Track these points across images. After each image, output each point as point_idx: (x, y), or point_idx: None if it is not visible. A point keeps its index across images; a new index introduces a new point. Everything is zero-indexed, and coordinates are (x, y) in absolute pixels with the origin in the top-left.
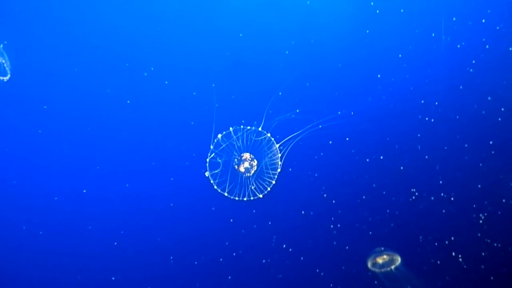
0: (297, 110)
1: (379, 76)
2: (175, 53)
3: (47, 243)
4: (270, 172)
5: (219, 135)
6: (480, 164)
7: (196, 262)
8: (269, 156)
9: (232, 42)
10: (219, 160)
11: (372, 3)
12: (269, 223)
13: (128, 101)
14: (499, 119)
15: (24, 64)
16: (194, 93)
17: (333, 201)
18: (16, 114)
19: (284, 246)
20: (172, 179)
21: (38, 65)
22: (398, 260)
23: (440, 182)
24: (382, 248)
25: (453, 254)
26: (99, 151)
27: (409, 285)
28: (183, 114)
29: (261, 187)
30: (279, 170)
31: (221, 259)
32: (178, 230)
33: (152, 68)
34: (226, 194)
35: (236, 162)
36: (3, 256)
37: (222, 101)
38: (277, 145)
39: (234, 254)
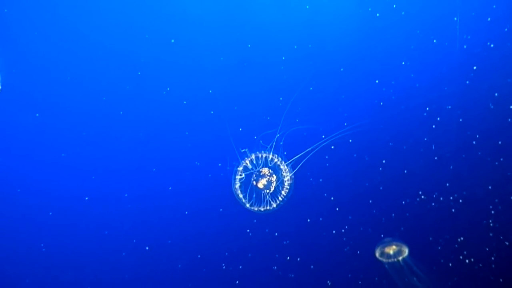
0: (296, 120)
1: (376, 81)
2: (171, 60)
3: (52, 256)
4: (285, 188)
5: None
6: (496, 163)
7: (200, 266)
8: (281, 171)
9: (230, 48)
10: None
11: (370, 9)
12: (276, 234)
13: (121, 112)
14: (509, 119)
15: (16, 72)
16: (184, 102)
17: (341, 206)
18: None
19: (291, 253)
20: (170, 188)
21: (31, 73)
22: (406, 251)
23: (450, 182)
24: (391, 239)
25: (464, 253)
26: (96, 158)
27: (415, 277)
28: (183, 122)
29: (277, 203)
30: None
31: (223, 265)
32: (183, 234)
33: (167, 89)
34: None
35: (255, 178)
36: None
37: (222, 108)
38: (285, 164)
39: (241, 258)
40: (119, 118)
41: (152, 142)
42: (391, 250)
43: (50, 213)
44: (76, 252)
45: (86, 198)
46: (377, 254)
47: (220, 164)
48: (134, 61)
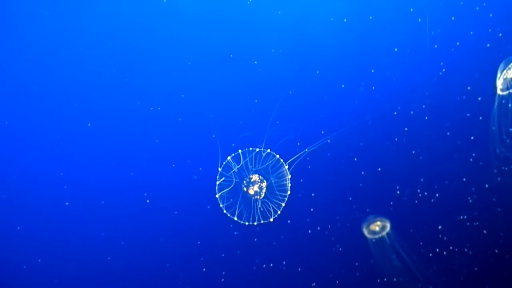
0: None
1: (342, 86)
2: (141, 66)
3: (43, 262)
4: (278, 194)
5: (228, 157)
6: (469, 155)
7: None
8: (275, 177)
9: (205, 52)
10: (233, 176)
11: (332, 19)
12: (256, 239)
13: (89, 124)
14: (481, 117)
15: None
16: (159, 109)
17: (322, 205)
18: None
19: (278, 252)
20: (145, 194)
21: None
22: (388, 226)
23: (426, 175)
24: (373, 216)
25: (443, 241)
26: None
27: (395, 254)
28: (153, 129)
29: (270, 209)
30: (288, 192)
31: (204, 270)
32: (173, 235)
33: (140, 98)
34: (235, 218)
35: (245, 184)
36: None
37: (200, 113)
38: (286, 166)
39: (231, 256)
40: (90, 126)
41: (134, 143)
42: (376, 226)
43: (28, 222)
44: (63, 255)
45: (67, 204)
46: (365, 232)
47: (201, 169)
48: (105, 68)
